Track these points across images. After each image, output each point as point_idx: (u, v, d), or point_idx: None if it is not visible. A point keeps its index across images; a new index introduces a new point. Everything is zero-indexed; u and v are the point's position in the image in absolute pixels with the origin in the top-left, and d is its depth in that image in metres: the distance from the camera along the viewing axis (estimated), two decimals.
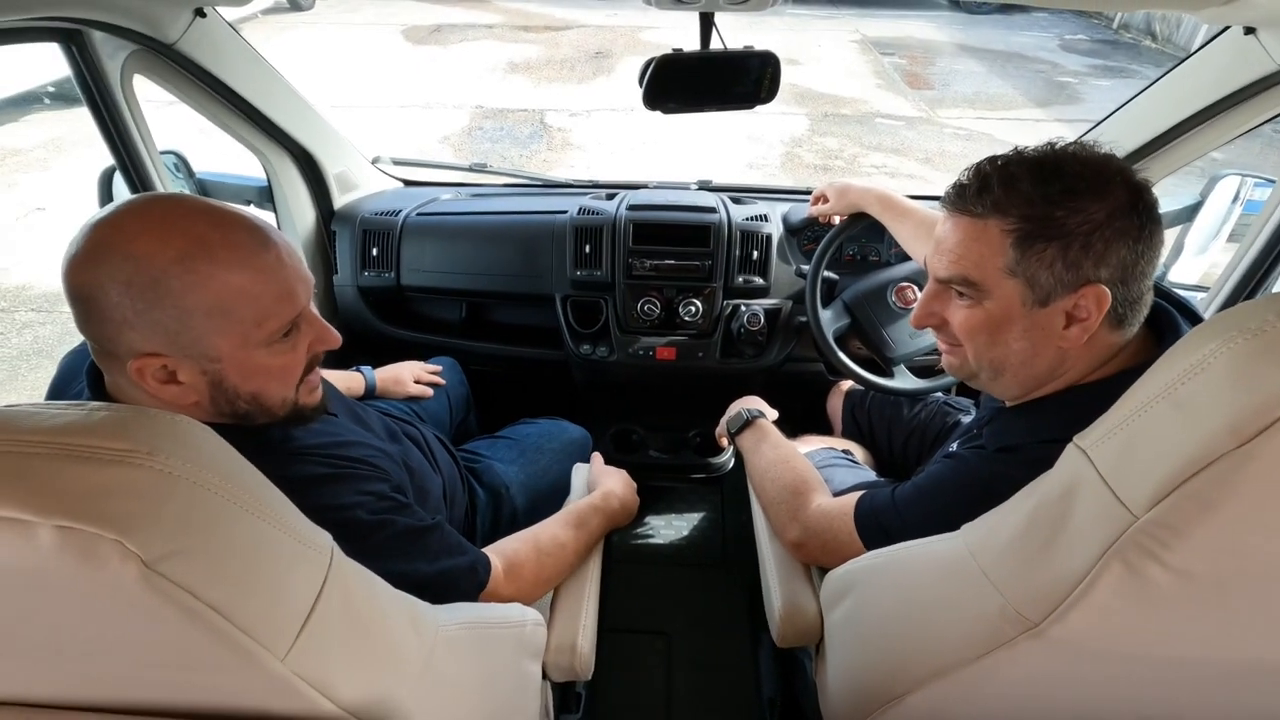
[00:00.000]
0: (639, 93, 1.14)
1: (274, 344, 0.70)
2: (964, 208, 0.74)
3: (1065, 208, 0.68)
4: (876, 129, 5.64)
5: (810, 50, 7.51)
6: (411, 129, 5.45)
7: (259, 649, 0.44)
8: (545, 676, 0.91)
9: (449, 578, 0.81)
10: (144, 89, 1.18)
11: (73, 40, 0.99)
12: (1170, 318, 0.74)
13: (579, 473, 1.23)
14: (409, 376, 1.39)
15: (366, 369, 1.34)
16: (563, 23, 8.34)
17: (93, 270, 0.62)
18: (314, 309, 0.75)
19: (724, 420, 1.26)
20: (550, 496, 1.25)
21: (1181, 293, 0.91)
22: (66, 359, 0.85)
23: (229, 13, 1.20)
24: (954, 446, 0.87)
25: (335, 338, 0.77)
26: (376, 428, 1.00)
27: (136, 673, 0.46)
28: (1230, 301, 1.35)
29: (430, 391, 1.40)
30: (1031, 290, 0.71)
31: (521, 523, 1.07)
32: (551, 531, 0.99)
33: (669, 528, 1.76)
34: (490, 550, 0.91)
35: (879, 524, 0.84)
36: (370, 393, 1.32)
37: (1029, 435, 0.75)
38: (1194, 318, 0.75)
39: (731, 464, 1.75)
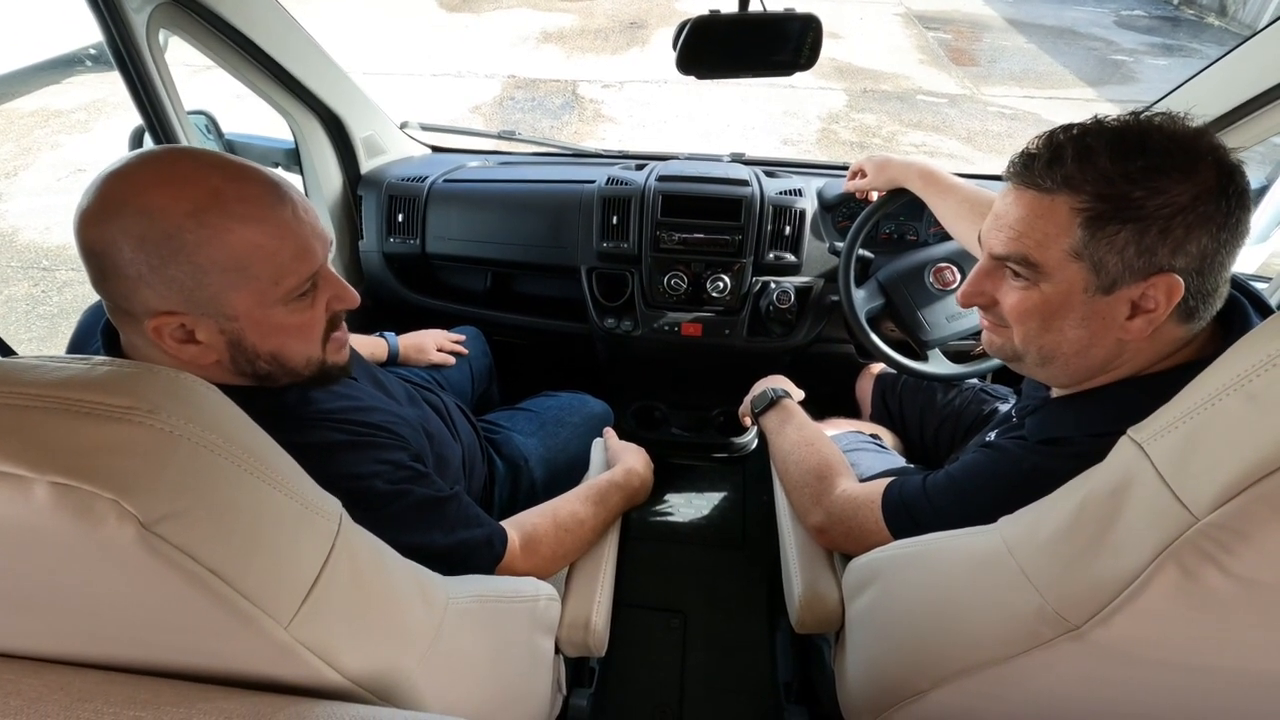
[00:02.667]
0: (673, 61, 1.09)
1: (292, 302, 0.69)
2: (1031, 180, 0.67)
3: (1146, 187, 0.61)
4: (917, 106, 5.46)
5: (852, 23, 7.28)
6: (443, 97, 5.43)
7: (261, 615, 0.43)
8: (558, 651, 0.90)
9: (465, 549, 0.80)
10: (181, 53, 1.16)
11: None
12: (1241, 308, 0.68)
13: (599, 448, 1.22)
14: (432, 344, 1.38)
15: (390, 335, 1.33)
16: None
17: (105, 225, 0.60)
18: (331, 268, 0.73)
19: (748, 399, 1.23)
20: (569, 470, 1.23)
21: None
22: (86, 315, 0.85)
23: None
24: (992, 436, 0.82)
25: (354, 297, 0.75)
26: (397, 393, 0.99)
27: (137, 633, 0.46)
28: None
29: (452, 360, 1.39)
30: (1096, 275, 0.65)
31: (540, 496, 1.06)
32: (571, 507, 0.97)
33: (689, 506, 1.74)
34: (508, 524, 0.89)
35: (908, 513, 0.80)
36: (393, 359, 1.32)
37: (1076, 428, 0.71)
38: (1265, 309, 0.69)
39: (755, 444, 1.72)
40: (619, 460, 1.12)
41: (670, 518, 1.71)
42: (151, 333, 0.64)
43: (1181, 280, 0.62)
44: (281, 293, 0.67)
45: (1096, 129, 0.65)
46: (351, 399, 0.82)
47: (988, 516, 0.63)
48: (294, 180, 0.70)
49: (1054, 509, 0.56)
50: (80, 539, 0.38)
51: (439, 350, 1.38)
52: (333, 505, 0.51)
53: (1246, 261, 1.47)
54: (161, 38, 1.11)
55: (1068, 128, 0.67)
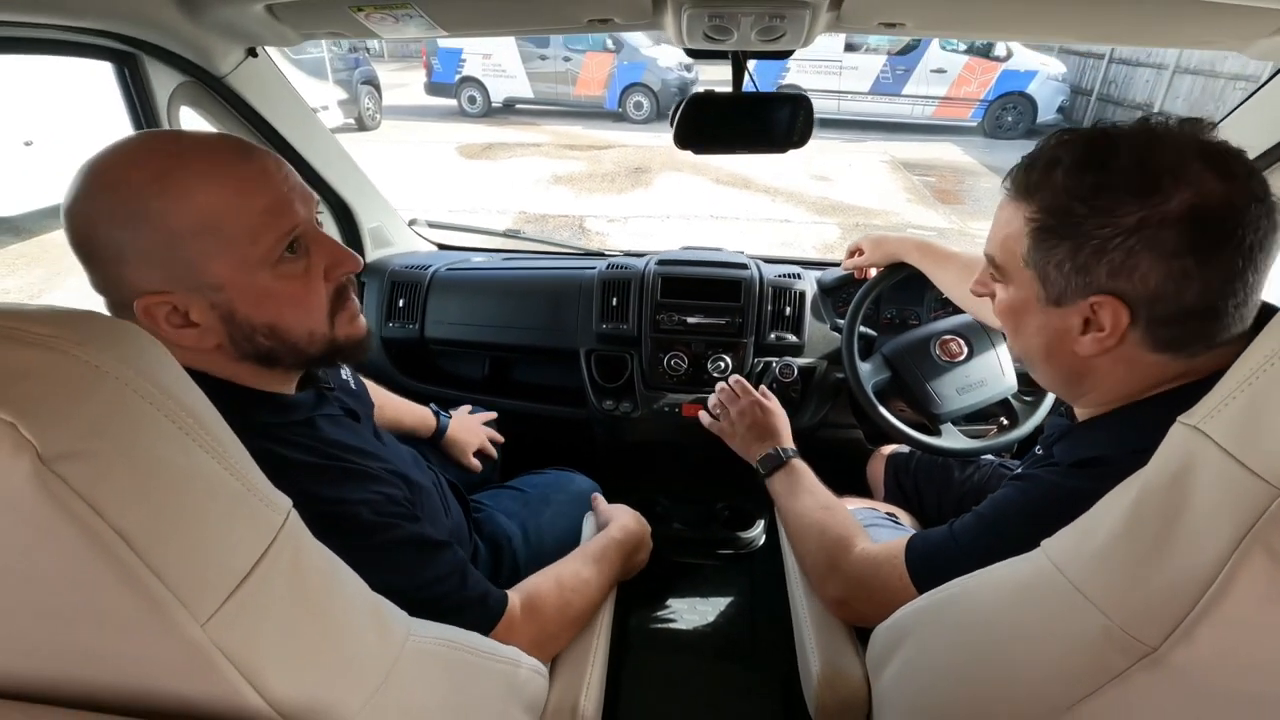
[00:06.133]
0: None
1: (279, 265, 0.64)
2: (1010, 183, 0.69)
3: (1089, 205, 0.59)
4: None
5: (841, 170, 7.82)
6: None
7: (174, 603, 0.36)
8: None
9: (455, 600, 0.71)
10: None
11: (126, 64, 1.03)
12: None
13: (590, 522, 1.13)
14: (476, 445, 1.29)
15: (443, 413, 1.26)
16: (606, 143, 8.91)
17: (80, 209, 0.60)
18: (326, 233, 0.70)
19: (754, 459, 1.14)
20: (555, 550, 1.12)
21: None
22: None
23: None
24: (1019, 470, 0.76)
25: (353, 259, 0.70)
26: (405, 455, 0.93)
27: (28, 617, 0.38)
28: None
29: (479, 466, 1.30)
30: (1044, 287, 0.65)
31: (522, 576, 0.96)
32: (574, 567, 0.90)
33: (693, 612, 1.59)
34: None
35: (935, 559, 0.71)
36: (440, 435, 1.24)
37: (1113, 446, 0.64)
38: None
39: (763, 540, 1.60)
40: (612, 520, 1.05)
41: (673, 624, 1.56)
42: (142, 315, 0.61)
43: (1125, 305, 0.60)
44: (261, 252, 0.63)
45: (1073, 139, 0.64)
46: (357, 438, 0.77)
47: (1025, 549, 0.55)
48: None
49: (1105, 516, 0.48)
50: None
51: (478, 450, 1.30)
52: (282, 500, 0.45)
53: None
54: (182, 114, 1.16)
55: (1061, 133, 0.66)
